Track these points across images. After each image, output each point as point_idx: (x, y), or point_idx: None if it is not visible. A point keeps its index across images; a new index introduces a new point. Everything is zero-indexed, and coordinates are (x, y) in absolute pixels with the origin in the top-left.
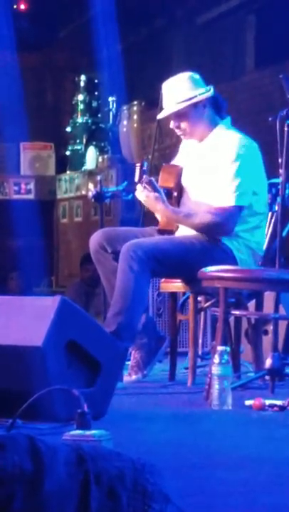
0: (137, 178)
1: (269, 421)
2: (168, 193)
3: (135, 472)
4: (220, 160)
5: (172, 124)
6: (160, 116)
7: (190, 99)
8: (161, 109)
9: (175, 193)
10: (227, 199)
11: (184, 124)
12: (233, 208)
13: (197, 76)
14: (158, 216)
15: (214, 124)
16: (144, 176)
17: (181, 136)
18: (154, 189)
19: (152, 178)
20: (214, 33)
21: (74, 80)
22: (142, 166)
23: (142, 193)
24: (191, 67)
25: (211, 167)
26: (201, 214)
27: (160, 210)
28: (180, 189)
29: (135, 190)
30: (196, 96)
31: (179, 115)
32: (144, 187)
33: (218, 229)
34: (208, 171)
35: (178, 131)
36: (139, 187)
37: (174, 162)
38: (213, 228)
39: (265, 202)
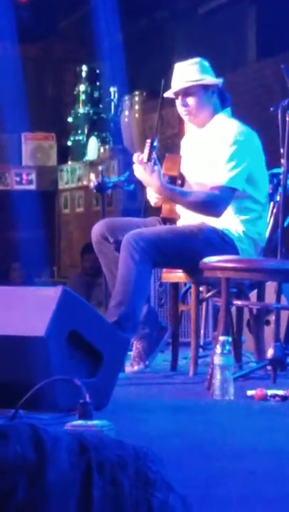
0: (146, 156)
1: (271, 411)
2: (172, 181)
3: (137, 461)
4: (217, 144)
5: (179, 102)
6: (169, 93)
7: (201, 80)
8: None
9: (179, 181)
10: (220, 179)
11: (191, 102)
12: (224, 189)
13: (207, 63)
14: (152, 199)
15: (216, 112)
16: (154, 152)
17: (185, 118)
18: (155, 165)
19: (155, 156)
20: (215, 24)
21: (75, 70)
22: (152, 143)
23: (139, 168)
24: (192, 57)
25: (209, 152)
26: (196, 193)
27: (156, 187)
28: (183, 178)
29: (144, 165)
30: (206, 79)
31: (189, 93)
32: (143, 162)
33: (209, 209)
34: (206, 155)
35: (183, 110)
36: (136, 165)
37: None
38: (204, 208)
39: (266, 192)
